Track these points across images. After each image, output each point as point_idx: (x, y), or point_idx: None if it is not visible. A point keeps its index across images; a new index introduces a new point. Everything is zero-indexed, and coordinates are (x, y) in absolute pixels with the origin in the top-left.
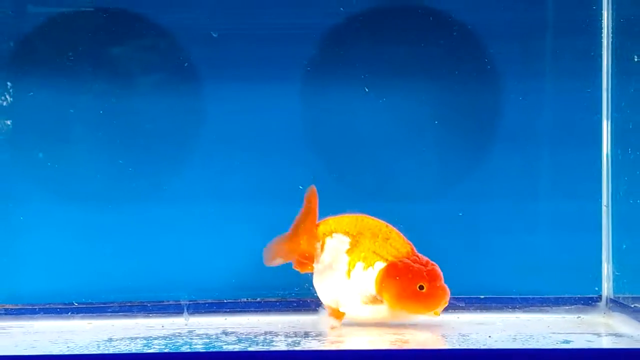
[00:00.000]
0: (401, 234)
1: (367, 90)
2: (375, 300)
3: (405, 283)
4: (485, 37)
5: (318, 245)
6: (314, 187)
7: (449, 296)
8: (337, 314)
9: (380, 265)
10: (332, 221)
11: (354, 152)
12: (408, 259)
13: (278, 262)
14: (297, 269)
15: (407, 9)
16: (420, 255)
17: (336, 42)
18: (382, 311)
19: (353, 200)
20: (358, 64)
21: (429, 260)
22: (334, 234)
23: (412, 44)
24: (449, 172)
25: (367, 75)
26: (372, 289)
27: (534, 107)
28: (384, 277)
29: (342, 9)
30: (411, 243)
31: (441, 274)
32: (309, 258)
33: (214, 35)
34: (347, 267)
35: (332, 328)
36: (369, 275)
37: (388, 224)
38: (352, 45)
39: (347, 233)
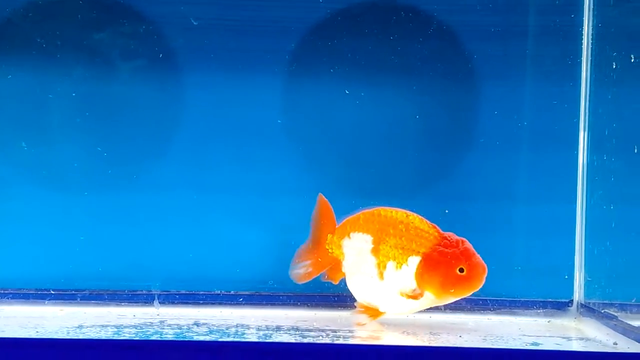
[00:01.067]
0: (423, 219)
1: (347, 92)
2: (415, 294)
3: (446, 271)
4: (467, 38)
5: (343, 249)
6: (322, 196)
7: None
8: (376, 313)
9: (414, 259)
10: (347, 222)
11: (335, 146)
12: (439, 245)
13: (310, 274)
14: (329, 280)
15: (390, 6)
16: (447, 234)
17: (319, 36)
18: (425, 303)
19: (333, 195)
20: (340, 58)
21: (456, 237)
22: (352, 234)
23: (394, 41)
24: (427, 172)
25: (348, 70)
26: (410, 285)
27: (512, 110)
28: (424, 272)
29: (320, 1)
30: (434, 225)
31: (472, 248)
32: (338, 265)
33: (194, 23)
34: (377, 269)
35: (359, 324)
36: (404, 273)
37: (406, 212)
38: (335, 39)
39: (367, 231)
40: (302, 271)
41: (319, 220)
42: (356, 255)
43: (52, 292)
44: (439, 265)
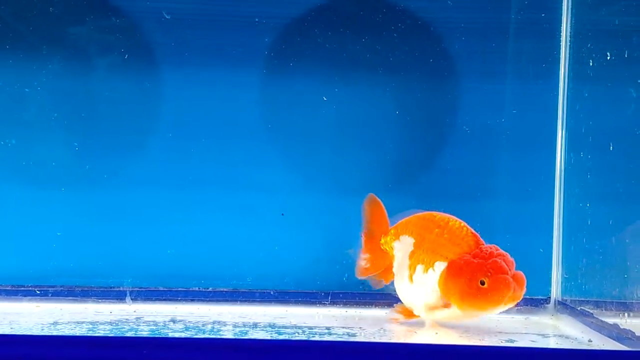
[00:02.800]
0: (464, 226)
1: (325, 99)
2: (441, 302)
3: (467, 281)
4: (446, 36)
5: (394, 251)
6: (373, 196)
7: (519, 289)
8: (410, 315)
9: (441, 265)
10: (401, 223)
11: (314, 142)
12: (469, 253)
13: (369, 270)
14: (381, 280)
15: (369, 3)
16: (487, 246)
17: (297, 32)
18: (452, 313)
19: (309, 192)
20: (318, 54)
21: (494, 252)
22: (401, 237)
23: (374, 38)
24: (405, 169)
25: (327, 66)
26: (435, 292)
27: (491, 107)
28: (446, 278)
29: None
30: (477, 234)
31: (506, 266)
32: (390, 266)
33: (167, 17)
34: (409, 272)
35: (392, 319)
36: (429, 277)
37: (455, 218)
38: (313, 36)
39: (411, 234)
40: (362, 263)
41: (372, 222)
42: (401, 258)
43: (27, 287)
44: (461, 273)
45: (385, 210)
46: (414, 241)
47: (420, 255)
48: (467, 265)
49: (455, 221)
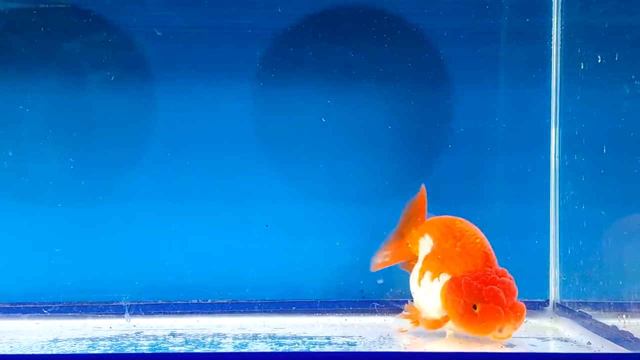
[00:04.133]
0: (481, 242)
1: (324, 120)
2: (440, 313)
3: (462, 302)
4: (437, 42)
5: (418, 247)
6: (423, 187)
7: (515, 319)
8: (416, 320)
9: (445, 277)
10: (428, 222)
11: (307, 152)
12: (473, 273)
13: (385, 263)
14: (405, 270)
15: (360, 11)
16: (492, 270)
17: (288, 42)
18: (450, 326)
19: (305, 202)
20: (310, 64)
21: (496, 278)
22: (425, 234)
23: (365, 46)
24: (399, 175)
25: (318, 76)
26: (437, 303)
27: (484, 112)
28: (447, 293)
29: (279, 10)
30: (490, 253)
31: (503, 294)
32: (414, 260)
33: (159, 33)
34: (419, 275)
35: (400, 330)
36: (434, 286)
37: (474, 231)
38: (304, 46)
39: (432, 236)
40: (379, 261)
41: (409, 212)
42: (420, 258)
43: (26, 305)
44: (459, 293)
45: (425, 207)
46: (432, 245)
47: (432, 262)
48: (466, 286)
49: (472, 235)
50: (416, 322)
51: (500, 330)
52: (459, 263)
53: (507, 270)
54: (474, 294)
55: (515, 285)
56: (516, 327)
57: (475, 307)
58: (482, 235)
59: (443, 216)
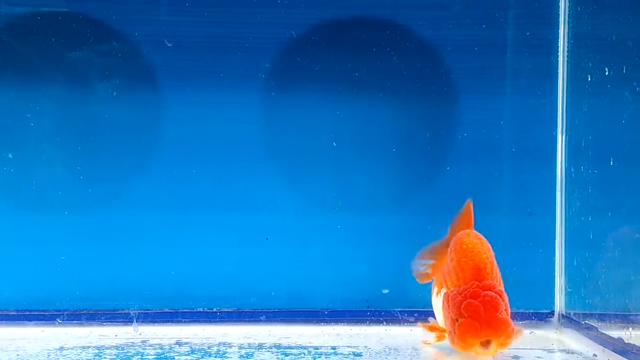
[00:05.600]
0: (479, 258)
1: (335, 144)
2: (439, 326)
3: (449, 316)
4: (444, 53)
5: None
6: (469, 202)
7: (496, 334)
8: (432, 329)
9: (444, 291)
10: (460, 234)
11: (314, 161)
12: (461, 287)
13: (428, 276)
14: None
15: (368, 22)
16: (480, 284)
17: (296, 52)
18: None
19: (311, 211)
20: (317, 75)
21: (480, 292)
22: (449, 248)
23: (372, 56)
24: (406, 186)
25: (326, 86)
26: (438, 314)
27: (491, 123)
28: (442, 308)
29: (288, 20)
30: (484, 267)
31: (483, 307)
32: None
33: (169, 44)
34: (437, 287)
35: (424, 343)
36: (437, 301)
37: (475, 246)
38: (312, 56)
39: (450, 249)
40: (422, 269)
41: (454, 226)
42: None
43: (32, 312)
44: (445, 307)
45: (470, 221)
46: (449, 258)
47: (439, 277)
48: (451, 300)
49: (470, 249)
50: (441, 337)
51: (483, 346)
52: (453, 278)
53: (497, 285)
54: (455, 309)
55: (501, 300)
56: (503, 343)
57: (457, 321)
58: (483, 249)
59: (465, 230)
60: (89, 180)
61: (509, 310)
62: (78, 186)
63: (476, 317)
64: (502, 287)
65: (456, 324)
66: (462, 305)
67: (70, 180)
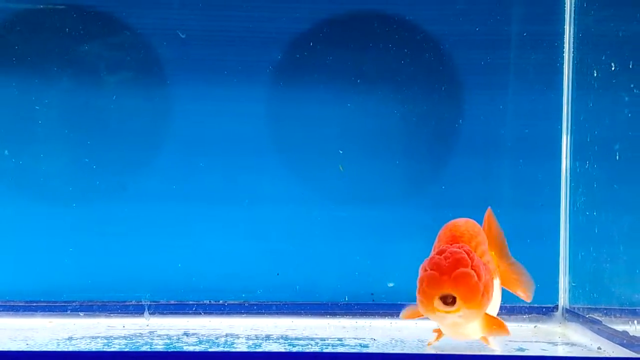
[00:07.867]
0: (462, 230)
1: (341, 168)
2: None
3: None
4: (450, 48)
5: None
6: (489, 210)
7: (455, 286)
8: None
9: None
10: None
11: (321, 156)
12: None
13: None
14: None
15: (374, 16)
16: (454, 245)
17: (303, 46)
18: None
19: (317, 205)
20: (324, 68)
21: (447, 248)
22: None
23: (379, 51)
24: (411, 180)
25: (333, 80)
26: None
27: (496, 118)
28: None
29: (296, 14)
30: (461, 236)
31: (446, 261)
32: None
33: (182, 36)
34: None
35: (429, 345)
36: None
37: (469, 226)
38: (319, 50)
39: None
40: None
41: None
42: None
43: (40, 303)
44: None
45: (493, 228)
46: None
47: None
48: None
49: (452, 224)
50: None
51: (446, 304)
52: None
53: (469, 248)
54: (421, 268)
55: (469, 258)
56: (468, 303)
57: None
58: (466, 226)
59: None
60: (97, 172)
61: (484, 279)
62: (86, 178)
63: (437, 269)
64: (488, 260)
65: (419, 277)
66: (426, 262)
67: (78, 172)
